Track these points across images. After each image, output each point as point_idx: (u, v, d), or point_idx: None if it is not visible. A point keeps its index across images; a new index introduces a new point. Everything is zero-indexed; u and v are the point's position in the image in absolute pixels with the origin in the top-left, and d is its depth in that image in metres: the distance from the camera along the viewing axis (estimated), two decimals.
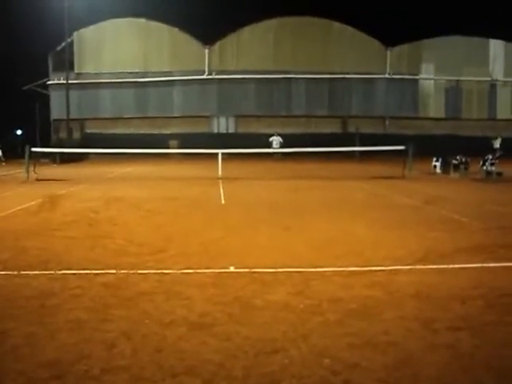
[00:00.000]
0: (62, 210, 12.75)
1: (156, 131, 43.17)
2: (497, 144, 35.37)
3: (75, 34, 42.64)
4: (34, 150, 23.63)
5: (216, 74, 43.52)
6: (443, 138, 39.72)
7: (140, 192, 16.75)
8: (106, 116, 43.90)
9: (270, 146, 35.69)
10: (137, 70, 43.49)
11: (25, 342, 4.60)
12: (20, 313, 5.36)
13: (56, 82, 43.17)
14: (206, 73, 43.52)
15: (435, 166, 24.24)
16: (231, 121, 44.76)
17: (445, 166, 23.60)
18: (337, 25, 43.84)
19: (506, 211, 12.61)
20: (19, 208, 13.01)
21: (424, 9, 43.32)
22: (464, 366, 4.13)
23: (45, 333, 4.82)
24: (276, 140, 36.27)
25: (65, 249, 8.32)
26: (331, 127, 43.55)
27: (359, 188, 17.82)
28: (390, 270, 6.92)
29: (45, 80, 44.35)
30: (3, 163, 33.62)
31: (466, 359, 4.25)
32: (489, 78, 44.92)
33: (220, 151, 23.63)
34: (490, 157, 21.88)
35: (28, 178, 21.19)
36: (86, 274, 6.81)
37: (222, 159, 23.19)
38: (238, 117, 44.48)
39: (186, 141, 38.42)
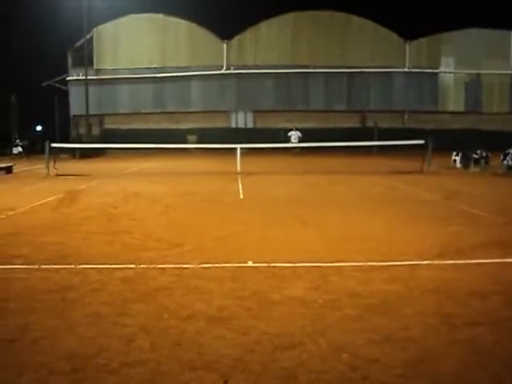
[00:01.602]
0: (81, 205, 12.85)
1: (174, 126, 43.23)
2: None
3: (94, 30, 42.83)
4: (53, 145, 23.83)
5: (234, 69, 43.43)
6: (463, 132, 39.22)
7: (158, 187, 16.82)
8: (125, 111, 44.03)
9: (288, 140, 35.62)
10: (155, 66, 43.54)
11: (45, 335, 4.65)
12: (40, 306, 5.42)
13: (75, 77, 43.37)
14: (224, 68, 43.46)
15: (455, 161, 24.01)
16: (249, 116, 44.68)
17: (465, 161, 23.37)
18: (355, 18, 43.47)
19: None
20: (39, 203, 13.14)
21: (443, 1, 42.76)
22: (483, 361, 4.10)
23: (65, 326, 4.87)
24: (294, 135, 36.16)
25: (84, 243, 8.39)
26: (350, 122, 43.30)
27: (378, 183, 17.72)
28: (409, 265, 6.89)
29: (64, 76, 44.59)
30: (24, 158, 33.98)
31: (485, 355, 4.21)
32: (509, 71, 44.28)
33: (238, 146, 23.63)
34: (511, 151, 21.63)
35: (48, 173, 21.37)
36: (106, 268, 6.87)
37: (241, 154, 23.18)
38: (257, 112, 44.37)
39: (205, 136, 38.44)
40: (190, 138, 40.37)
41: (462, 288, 5.91)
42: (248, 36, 43.78)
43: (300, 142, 34.28)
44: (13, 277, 6.55)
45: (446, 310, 5.22)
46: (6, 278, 6.51)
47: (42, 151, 24.13)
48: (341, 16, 43.46)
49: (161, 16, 43.68)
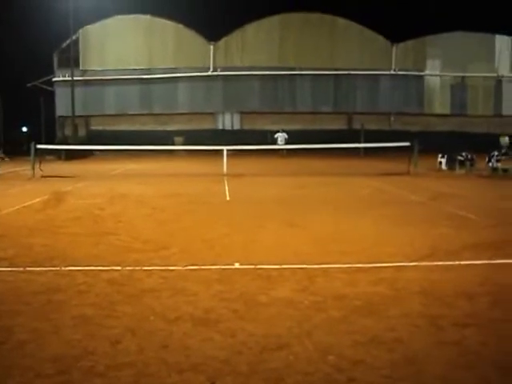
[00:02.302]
0: (66, 207, 12.77)
1: (161, 128, 43.16)
2: (504, 142, 35.00)
3: (80, 31, 42.64)
4: (39, 146, 23.66)
5: (221, 71, 43.43)
6: (449, 135, 39.54)
7: (145, 189, 16.76)
8: (111, 113, 43.88)
9: (275, 142, 35.65)
10: (142, 67, 43.45)
11: (31, 338, 4.61)
12: (26, 308, 5.37)
13: (61, 78, 43.16)
14: (211, 69, 43.45)
15: (441, 163, 24.13)
16: (236, 117, 44.71)
17: (450, 163, 23.49)
18: (342, 21, 43.66)
19: None
20: (25, 205, 13.04)
21: (429, 4, 43.05)
22: (470, 363, 4.11)
23: (50, 329, 4.83)
24: (281, 136, 36.19)
25: (70, 245, 8.34)
26: (336, 124, 43.48)
27: (365, 184, 17.77)
28: (396, 267, 6.90)
29: (50, 77, 44.36)
30: (7, 159, 33.70)
31: (472, 356, 4.22)
32: (494, 74, 44.69)
33: (225, 148, 23.60)
34: (496, 153, 21.80)
35: (33, 174, 21.22)
36: (92, 270, 6.82)
37: (227, 156, 23.15)
38: (243, 113, 44.42)
39: (191, 137, 38.35)
40: (177, 139, 40.30)
41: (450, 289, 5.93)
42: (235, 38, 43.81)
43: (287, 143, 34.34)
44: None
45: (433, 311, 5.24)
46: None
47: (27, 152, 23.92)
48: (328, 18, 43.66)
49: (147, 17, 43.61)
